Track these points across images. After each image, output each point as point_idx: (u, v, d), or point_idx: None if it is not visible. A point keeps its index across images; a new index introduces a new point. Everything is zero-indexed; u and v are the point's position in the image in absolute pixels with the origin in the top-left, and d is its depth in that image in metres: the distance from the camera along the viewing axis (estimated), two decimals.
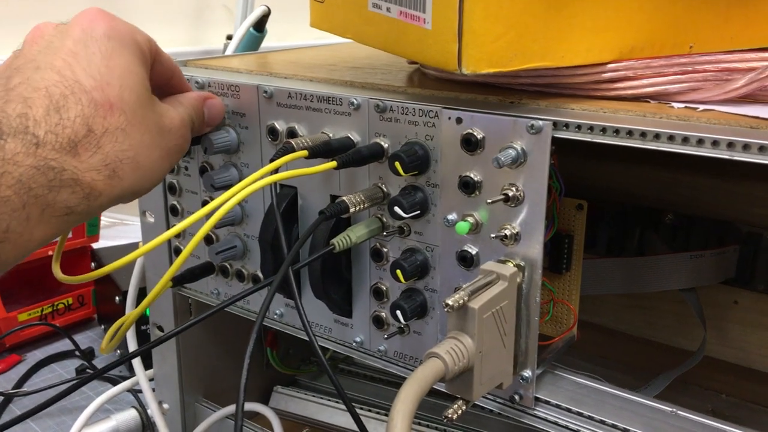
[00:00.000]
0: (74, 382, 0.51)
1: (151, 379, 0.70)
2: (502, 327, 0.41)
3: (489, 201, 0.42)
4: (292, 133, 0.51)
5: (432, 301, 0.47)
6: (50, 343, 1.01)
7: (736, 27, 0.46)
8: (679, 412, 0.44)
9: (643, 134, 0.38)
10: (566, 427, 0.44)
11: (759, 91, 0.42)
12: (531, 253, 0.42)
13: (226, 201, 0.43)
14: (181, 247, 0.61)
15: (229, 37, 1.02)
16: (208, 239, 0.58)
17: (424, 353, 0.38)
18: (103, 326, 1.05)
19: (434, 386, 0.38)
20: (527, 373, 0.44)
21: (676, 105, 0.42)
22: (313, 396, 0.73)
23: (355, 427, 0.45)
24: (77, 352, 0.96)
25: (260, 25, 0.80)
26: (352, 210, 0.45)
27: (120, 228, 1.37)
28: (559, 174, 0.44)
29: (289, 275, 0.44)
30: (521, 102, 0.43)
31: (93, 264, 1.05)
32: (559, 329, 0.51)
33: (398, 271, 0.46)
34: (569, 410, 0.45)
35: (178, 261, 0.46)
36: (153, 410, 0.69)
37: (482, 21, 0.39)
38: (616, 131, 0.38)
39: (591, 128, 0.39)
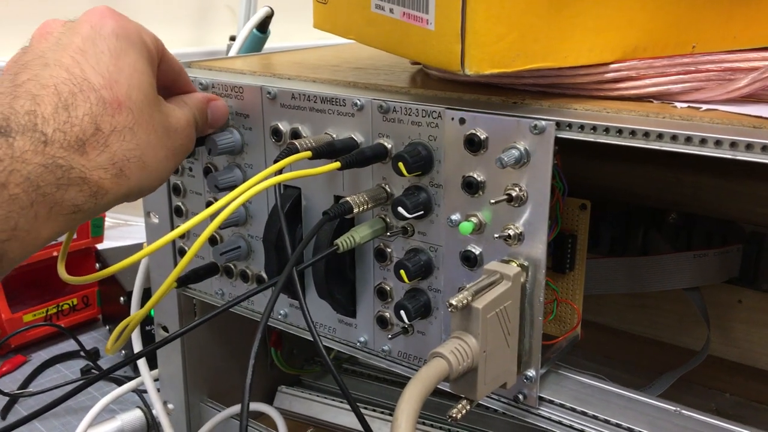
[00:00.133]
0: (79, 382, 0.51)
1: (156, 380, 0.70)
2: (506, 327, 0.41)
3: (492, 201, 0.42)
4: (295, 134, 0.51)
5: (436, 301, 0.47)
6: (55, 344, 1.02)
7: (738, 26, 0.46)
8: (683, 411, 0.44)
9: (646, 134, 0.38)
10: (570, 427, 0.45)
11: (762, 90, 0.42)
12: (534, 253, 0.42)
13: (231, 202, 0.44)
14: (186, 248, 0.62)
15: (233, 38, 1.03)
16: (212, 240, 0.59)
17: (428, 353, 0.38)
18: (107, 327, 1.06)
19: (438, 386, 0.38)
20: (531, 372, 0.44)
21: (679, 105, 0.42)
22: (318, 396, 0.73)
23: (359, 426, 0.45)
24: (82, 353, 0.97)
25: (263, 26, 0.80)
26: (355, 210, 0.45)
27: (124, 229, 1.37)
28: (563, 174, 0.44)
29: (294, 276, 0.44)
30: (524, 102, 0.43)
31: (97, 265, 1.05)
32: (562, 329, 0.52)
33: (402, 271, 0.46)
34: (573, 409, 0.45)
35: (183, 262, 0.46)
36: (158, 410, 0.69)
37: (485, 22, 0.39)
38: (619, 131, 0.38)
39: (594, 128, 0.39)
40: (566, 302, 0.51)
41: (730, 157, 0.36)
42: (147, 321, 0.83)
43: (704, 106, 0.41)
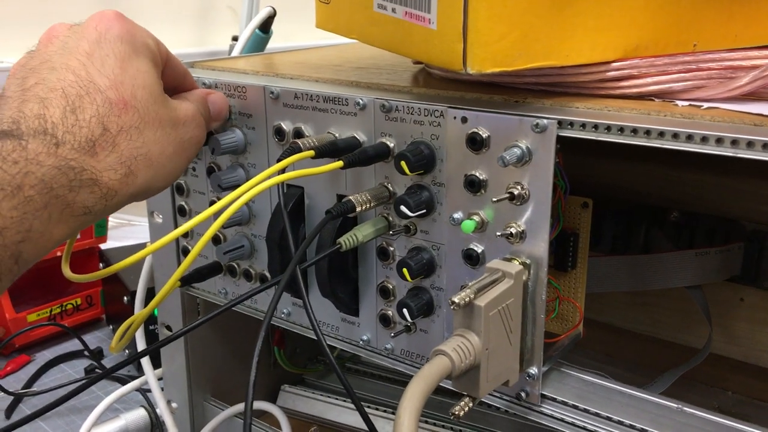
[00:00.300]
0: (83, 381, 0.51)
1: (159, 379, 0.70)
2: (508, 324, 0.41)
3: (494, 199, 0.42)
4: (298, 134, 0.51)
5: (438, 299, 0.48)
6: (59, 344, 1.02)
7: (739, 25, 0.46)
8: (684, 408, 0.44)
9: (648, 132, 0.38)
10: (572, 424, 0.45)
11: (763, 88, 0.42)
12: (536, 251, 0.42)
13: (234, 201, 0.44)
14: (189, 248, 0.62)
15: (235, 38, 1.03)
16: (215, 239, 0.59)
17: (430, 351, 0.39)
18: (111, 326, 1.06)
19: (441, 384, 0.38)
20: (533, 370, 0.44)
21: (680, 103, 0.42)
22: (321, 394, 0.73)
23: (363, 425, 0.45)
24: (86, 352, 0.97)
25: (266, 26, 0.80)
26: (358, 209, 0.46)
27: (128, 229, 1.38)
28: (564, 172, 0.44)
29: (297, 274, 0.45)
30: (526, 101, 0.43)
31: (101, 264, 1.05)
32: (564, 327, 0.52)
33: (405, 270, 0.46)
34: (575, 407, 0.45)
35: (187, 261, 0.46)
36: (162, 409, 0.69)
37: (487, 21, 0.39)
38: (621, 129, 0.39)
39: (596, 127, 0.39)
40: (568, 300, 0.51)
41: (731, 154, 0.36)
42: (150, 320, 0.83)
43: (705, 104, 0.41)
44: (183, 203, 0.61)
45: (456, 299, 0.38)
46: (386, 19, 0.45)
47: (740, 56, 0.44)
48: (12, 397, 0.87)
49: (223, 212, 0.45)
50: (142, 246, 1.02)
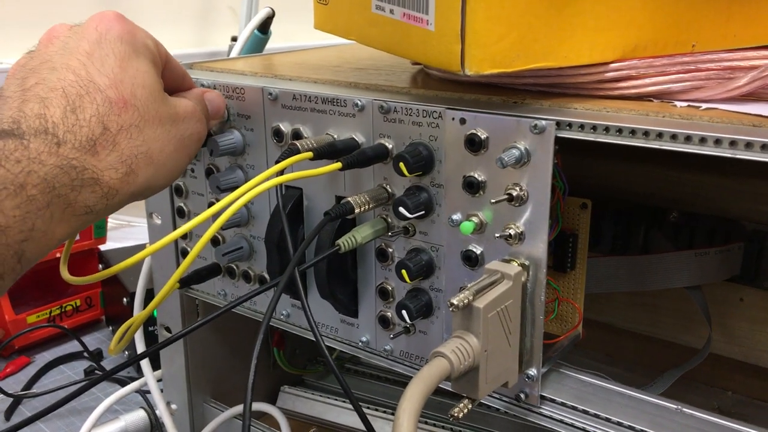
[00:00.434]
0: (83, 383, 0.51)
1: (159, 380, 0.70)
2: (507, 326, 0.41)
3: (493, 201, 0.42)
4: (297, 135, 0.51)
5: (437, 300, 0.48)
6: (59, 345, 1.02)
7: (738, 25, 0.46)
8: (684, 409, 0.44)
9: (646, 133, 0.38)
10: (572, 425, 0.45)
11: (761, 89, 0.42)
12: (535, 252, 0.42)
13: (233, 202, 0.44)
14: (188, 249, 0.62)
15: (234, 39, 1.03)
16: (214, 241, 0.59)
17: (429, 352, 0.39)
18: (110, 328, 1.06)
19: (440, 385, 0.38)
20: (533, 371, 0.44)
21: (678, 104, 0.42)
22: (320, 396, 0.73)
23: (361, 426, 0.45)
24: (86, 354, 0.97)
25: (264, 27, 0.81)
26: (357, 211, 0.46)
27: (127, 230, 1.38)
28: (563, 173, 0.44)
29: (296, 276, 0.45)
30: (524, 102, 0.43)
31: (100, 266, 1.05)
32: (564, 328, 0.52)
33: (403, 271, 0.46)
34: (575, 408, 0.45)
35: (186, 262, 0.46)
36: (161, 411, 0.69)
37: (485, 22, 0.39)
38: (619, 130, 0.39)
39: (594, 128, 0.39)
40: (567, 301, 0.51)
41: (729, 155, 0.36)
42: (150, 322, 0.83)
43: (704, 105, 0.41)
44: (182, 205, 0.61)
45: (455, 301, 0.38)
46: (384, 20, 0.45)
47: (739, 57, 0.43)
48: (11, 399, 0.87)
49: (221, 214, 0.45)
50: (142, 247, 1.02)
